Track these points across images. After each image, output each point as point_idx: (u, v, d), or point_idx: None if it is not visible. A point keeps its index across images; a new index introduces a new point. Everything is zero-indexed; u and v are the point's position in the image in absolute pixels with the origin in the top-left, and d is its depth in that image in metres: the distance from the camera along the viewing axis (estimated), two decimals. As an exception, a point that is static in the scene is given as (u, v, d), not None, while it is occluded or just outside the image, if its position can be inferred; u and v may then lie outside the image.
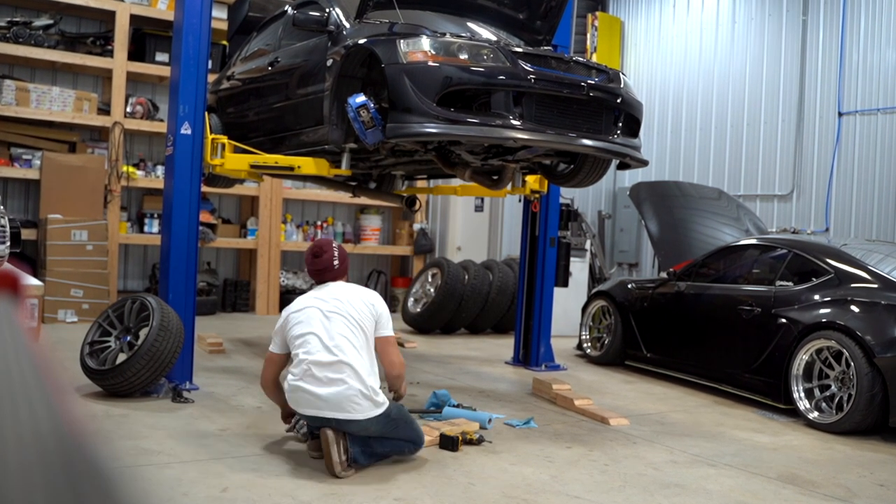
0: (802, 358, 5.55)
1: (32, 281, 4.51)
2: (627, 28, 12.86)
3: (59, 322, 8.20)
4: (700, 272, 6.91)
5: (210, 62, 5.81)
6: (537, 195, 6.99)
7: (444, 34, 4.82)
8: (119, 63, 9.15)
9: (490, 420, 4.91)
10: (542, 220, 7.21)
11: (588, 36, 12.47)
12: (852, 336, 5.22)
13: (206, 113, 5.77)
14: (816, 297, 5.70)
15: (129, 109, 9.40)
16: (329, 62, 5.35)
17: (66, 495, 0.61)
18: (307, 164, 5.76)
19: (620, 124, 5.05)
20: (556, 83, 4.73)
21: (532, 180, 6.69)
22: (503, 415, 5.22)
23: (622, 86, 5.07)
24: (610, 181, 12.78)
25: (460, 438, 4.36)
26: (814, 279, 5.84)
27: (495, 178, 6.03)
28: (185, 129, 5.52)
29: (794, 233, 9.39)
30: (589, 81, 4.85)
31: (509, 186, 6.37)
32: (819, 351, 5.50)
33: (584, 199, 12.33)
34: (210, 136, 5.77)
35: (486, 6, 5.87)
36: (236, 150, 5.90)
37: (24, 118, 8.73)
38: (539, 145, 4.84)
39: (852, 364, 5.18)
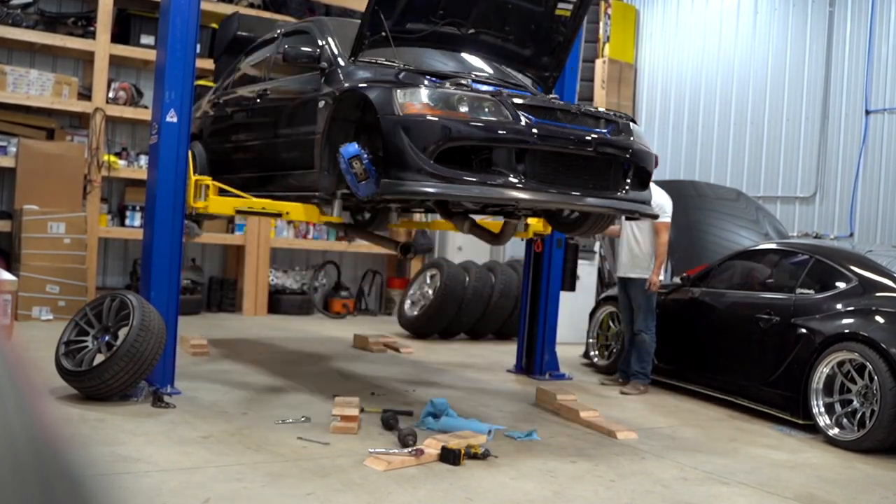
0: (823, 371, 5.56)
1: (6, 275, 4.52)
2: (643, 17, 12.86)
3: (34, 320, 8.20)
4: (716, 278, 6.91)
5: (198, 46, 5.81)
6: (540, 237, 7.00)
7: (443, 82, 4.81)
8: (102, 45, 9.15)
9: (490, 431, 4.90)
10: (548, 219, 7.21)
11: (601, 24, 12.47)
12: (876, 348, 5.23)
13: (191, 140, 5.72)
14: (839, 306, 5.71)
15: (111, 95, 9.41)
16: (321, 104, 5.31)
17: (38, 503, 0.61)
18: (296, 211, 5.77)
19: (629, 178, 5.08)
20: (562, 139, 4.72)
21: (535, 222, 6.68)
22: (504, 426, 5.23)
23: (632, 137, 5.06)
24: (621, 179, 12.77)
25: (462, 452, 4.33)
26: (836, 287, 5.85)
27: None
28: (171, 117, 5.51)
29: (816, 237, 9.40)
30: (596, 136, 4.82)
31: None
32: (841, 363, 5.50)
33: (594, 198, 12.31)
34: (193, 178, 5.66)
35: (490, 42, 5.80)
36: (221, 193, 5.78)
37: (-1, 102, 8.75)
38: (541, 206, 4.85)
39: (876, 378, 5.18)
